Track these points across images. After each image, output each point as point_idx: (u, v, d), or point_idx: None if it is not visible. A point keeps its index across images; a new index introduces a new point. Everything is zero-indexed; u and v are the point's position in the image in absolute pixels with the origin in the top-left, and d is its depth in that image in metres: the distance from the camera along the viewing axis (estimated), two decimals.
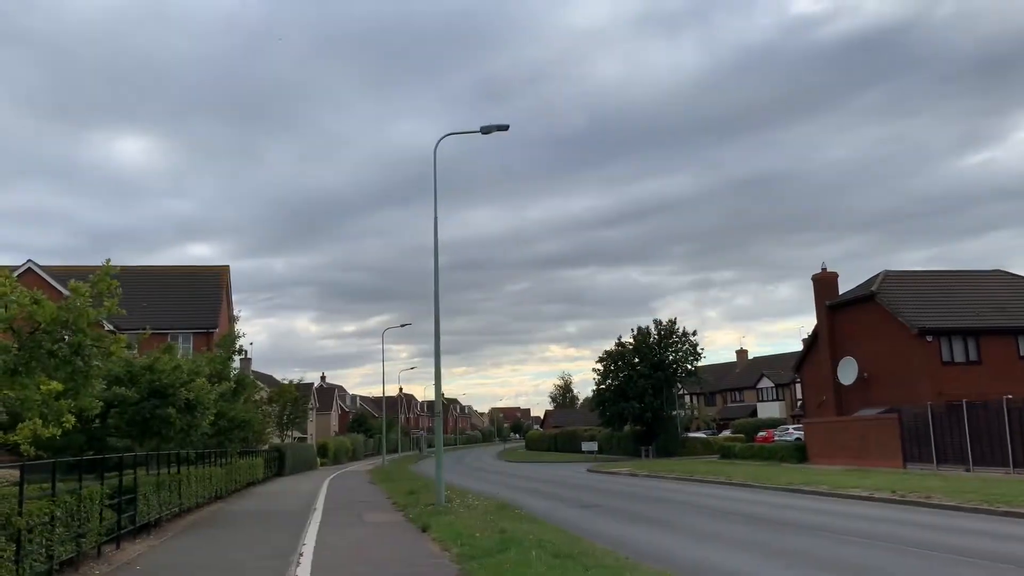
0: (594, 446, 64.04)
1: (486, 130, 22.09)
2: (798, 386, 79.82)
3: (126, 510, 15.14)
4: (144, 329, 20.26)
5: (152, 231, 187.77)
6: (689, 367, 63.12)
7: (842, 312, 44.15)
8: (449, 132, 22.78)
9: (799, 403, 77.22)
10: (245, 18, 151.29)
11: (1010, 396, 30.99)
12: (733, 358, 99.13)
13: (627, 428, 63.59)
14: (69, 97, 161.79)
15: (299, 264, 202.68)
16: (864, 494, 22.01)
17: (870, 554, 12.58)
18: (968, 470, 30.64)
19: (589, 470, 45.33)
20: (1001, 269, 44.73)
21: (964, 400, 32.16)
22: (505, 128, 22.08)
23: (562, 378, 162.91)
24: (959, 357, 39.00)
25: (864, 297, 42.09)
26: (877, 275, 43.12)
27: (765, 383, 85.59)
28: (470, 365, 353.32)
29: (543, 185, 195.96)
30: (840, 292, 44.66)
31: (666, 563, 11.67)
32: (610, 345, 65.27)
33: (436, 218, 22.08)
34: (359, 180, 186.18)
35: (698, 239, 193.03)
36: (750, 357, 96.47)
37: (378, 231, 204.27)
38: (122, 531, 14.79)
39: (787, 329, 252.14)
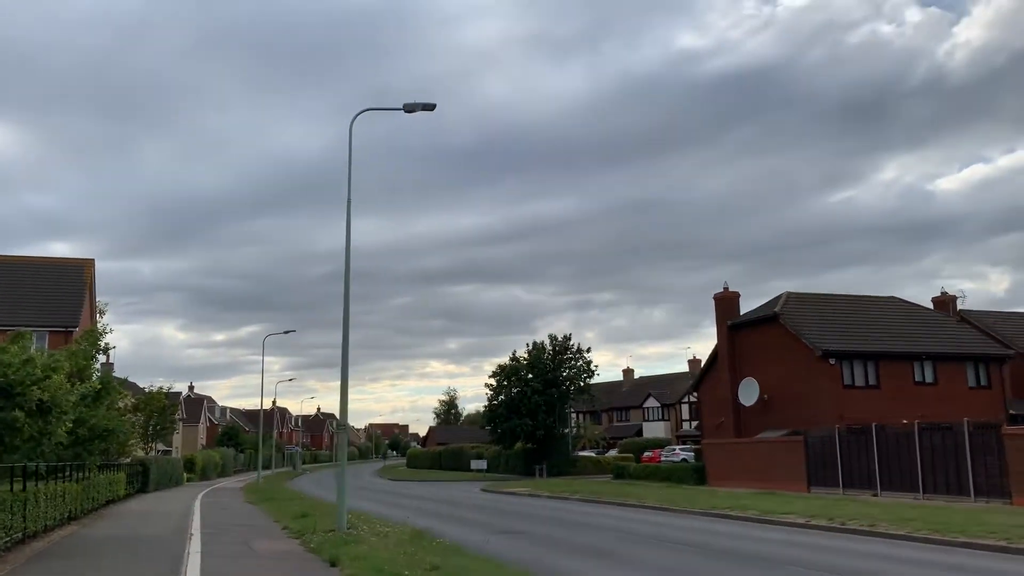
0: (483, 464, 61.88)
1: (410, 108, 19.65)
2: (684, 406, 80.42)
3: None
4: None
5: (8, 226, 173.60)
6: (582, 384, 62.09)
7: (743, 332, 43.74)
8: (367, 108, 20.24)
9: (688, 423, 77.50)
10: (121, 5, 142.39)
11: (917, 421, 30.68)
12: (613, 377, 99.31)
13: (518, 446, 61.81)
14: None
15: (168, 269, 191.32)
16: (800, 521, 20.64)
17: None
18: (876, 495, 30.12)
19: (484, 490, 43.03)
20: (896, 296, 45.43)
21: (874, 424, 31.75)
22: (431, 107, 19.75)
23: (447, 394, 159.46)
24: (859, 381, 39.03)
25: (767, 318, 41.74)
26: (779, 296, 42.94)
27: (651, 403, 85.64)
28: None
29: (430, 200, 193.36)
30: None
31: None
32: (491, 363, 63.93)
33: (349, 200, 19.49)
34: (237, 185, 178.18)
35: (580, 261, 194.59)
36: (635, 377, 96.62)
37: (254, 238, 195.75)
38: None
39: (661, 352, 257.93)
